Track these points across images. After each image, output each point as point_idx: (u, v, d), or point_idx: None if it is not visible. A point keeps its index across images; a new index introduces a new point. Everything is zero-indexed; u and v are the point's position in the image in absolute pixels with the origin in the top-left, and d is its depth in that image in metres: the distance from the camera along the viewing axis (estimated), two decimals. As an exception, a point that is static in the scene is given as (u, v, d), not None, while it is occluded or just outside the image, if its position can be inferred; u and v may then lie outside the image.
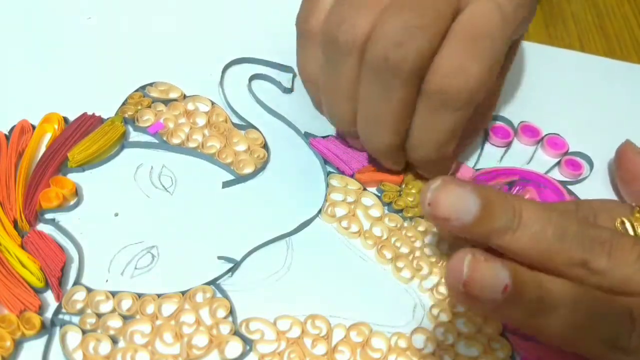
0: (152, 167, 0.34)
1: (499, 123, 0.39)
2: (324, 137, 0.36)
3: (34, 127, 0.34)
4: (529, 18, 0.31)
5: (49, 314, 0.27)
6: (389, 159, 0.32)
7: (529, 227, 0.25)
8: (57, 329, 0.27)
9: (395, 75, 0.27)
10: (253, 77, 0.39)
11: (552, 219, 0.25)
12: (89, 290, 0.28)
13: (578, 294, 0.24)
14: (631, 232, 0.28)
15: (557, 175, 0.37)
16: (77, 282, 0.29)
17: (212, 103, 0.37)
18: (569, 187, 0.36)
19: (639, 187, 0.33)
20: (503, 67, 0.33)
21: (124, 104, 0.36)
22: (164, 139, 0.34)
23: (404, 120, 0.29)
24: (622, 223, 0.28)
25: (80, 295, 0.28)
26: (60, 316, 0.27)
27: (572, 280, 0.25)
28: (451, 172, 0.35)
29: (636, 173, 0.34)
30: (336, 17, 0.28)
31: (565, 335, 0.24)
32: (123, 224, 0.31)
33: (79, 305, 0.28)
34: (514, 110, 0.39)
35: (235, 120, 0.36)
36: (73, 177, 0.32)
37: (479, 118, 0.33)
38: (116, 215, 0.31)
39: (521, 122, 0.38)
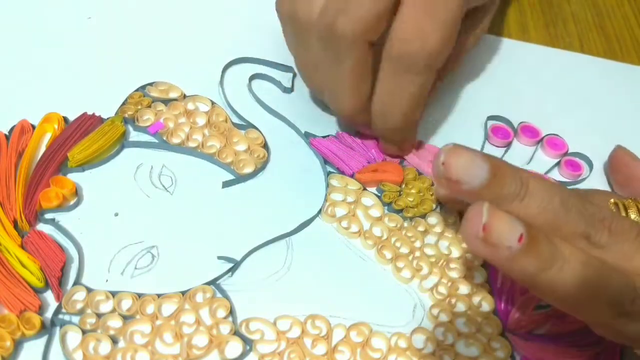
0: (152, 167, 0.34)
1: (499, 123, 0.39)
2: (324, 137, 0.36)
3: (34, 127, 0.34)
4: None
5: (49, 314, 0.27)
6: (354, 121, 0.34)
7: (535, 196, 0.26)
8: (57, 329, 0.27)
9: (340, 42, 0.29)
10: (253, 77, 0.39)
11: (556, 192, 0.26)
12: (89, 290, 0.28)
13: (586, 255, 0.25)
14: (623, 214, 0.29)
15: (556, 175, 0.37)
16: (77, 282, 0.29)
17: (212, 103, 0.37)
18: (569, 187, 0.36)
19: (635, 189, 0.33)
20: (464, 37, 0.36)
21: (124, 103, 0.36)
22: (164, 138, 0.34)
23: (362, 85, 0.31)
24: (615, 204, 0.29)
25: (80, 295, 0.28)
26: (60, 316, 0.27)
27: None
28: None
29: (632, 175, 0.34)
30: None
31: (574, 295, 0.25)
32: (123, 224, 0.31)
33: (79, 305, 0.28)
34: (514, 111, 0.39)
35: (235, 120, 0.36)
36: (73, 177, 0.32)
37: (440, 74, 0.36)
38: (116, 215, 0.31)
39: (521, 122, 0.39)
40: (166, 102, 0.36)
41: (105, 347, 0.27)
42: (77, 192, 0.32)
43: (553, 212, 0.26)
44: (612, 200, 0.30)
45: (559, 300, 0.25)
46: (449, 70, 0.37)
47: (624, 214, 0.29)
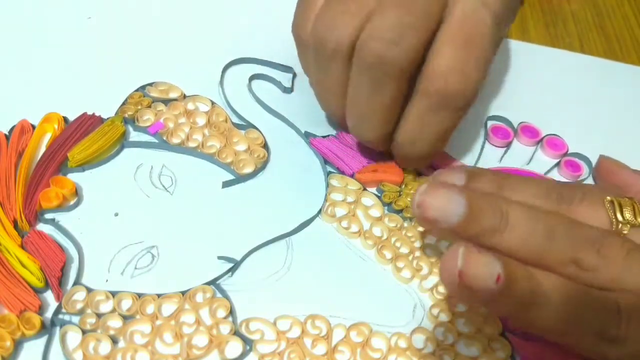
0: (152, 167, 0.34)
1: (499, 123, 0.39)
2: (324, 137, 0.36)
3: (34, 127, 0.34)
4: (512, 18, 0.33)
5: (49, 314, 0.27)
6: (375, 146, 0.34)
7: (516, 227, 0.26)
8: (57, 329, 0.27)
9: (388, 73, 0.28)
10: (253, 77, 0.39)
11: (540, 219, 0.26)
12: (89, 290, 0.28)
13: (568, 286, 0.25)
14: (618, 212, 0.28)
15: (556, 176, 0.37)
16: (77, 282, 0.29)
17: (212, 103, 0.37)
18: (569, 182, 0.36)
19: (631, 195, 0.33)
20: None
21: (124, 103, 0.36)
22: (164, 138, 0.34)
23: (394, 115, 0.31)
24: (611, 202, 0.29)
25: (80, 295, 0.28)
26: (60, 316, 0.27)
27: (565, 277, 0.26)
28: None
29: (623, 183, 0.34)
30: (322, 22, 0.30)
31: (558, 327, 0.25)
32: (123, 224, 0.31)
33: (79, 305, 0.28)
34: (514, 111, 0.39)
35: (235, 120, 0.36)
36: (73, 177, 0.32)
37: None
38: (116, 215, 0.31)
39: (521, 122, 0.39)
40: (166, 102, 0.36)
41: (105, 347, 0.27)
42: (77, 192, 0.32)
43: (536, 243, 0.25)
44: (608, 197, 0.29)
45: (542, 331, 0.25)
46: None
47: (619, 212, 0.28)
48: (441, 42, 0.28)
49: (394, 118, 0.31)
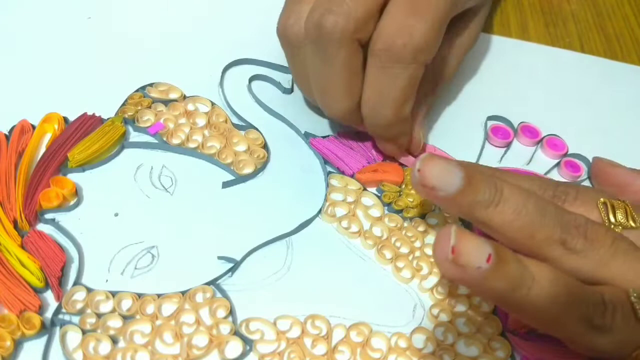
0: (152, 168, 0.34)
1: (499, 123, 0.39)
2: (324, 137, 0.36)
3: (34, 127, 0.34)
4: None
5: (49, 314, 0.27)
6: (346, 121, 0.34)
7: (510, 202, 0.27)
8: (57, 329, 0.27)
9: (329, 40, 0.29)
10: (253, 78, 0.39)
11: (531, 198, 0.27)
12: (89, 290, 0.28)
13: (555, 273, 0.25)
14: (610, 214, 0.29)
15: (556, 176, 0.37)
16: (77, 282, 0.29)
17: (212, 103, 0.37)
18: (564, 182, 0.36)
19: (629, 195, 0.33)
20: (460, 39, 0.37)
21: (124, 104, 0.36)
22: (164, 139, 0.34)
23: (352, 84, 0.31)
24: (604, 204, 0.29)
25: (80, 295, 0.28)
26: (60, 316, 0.27)
27: (552, 260, 0.27)
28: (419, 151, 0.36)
29: (621, 184, 0.34)
30: (286, 21, 0.32)
31: (545, 312, 0.25)
32: (123, 224, 0.31)
33: (79, 305, 0.28)
34: (513, 111, 0.39)
35: (235, 121, 0.36)
36: (73, 177, 0.32)
37: (429, 83, 0.36)
38: (116, 215, 0.31)
39: (521, 122, 0.39)
40: (166, 102, 0.36)
41: (105, 347, 0.27)
42: (77, 192, 0.32)
43: (528, 217, 0.26)
44: (601, 199, 0.30)
45: (529, 317, 0.26)
46: (443, 82, 0.37)
47: (611, 214, 0.29)
48: (390, 4, 0.30)
49: (355, 88, 0.32)
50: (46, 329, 0.27)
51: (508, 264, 0.24)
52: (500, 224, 0.27)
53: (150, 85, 0.37)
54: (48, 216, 0.30)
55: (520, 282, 0.25)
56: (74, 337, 0.27)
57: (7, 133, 0.33)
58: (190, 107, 0.36)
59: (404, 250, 0.32)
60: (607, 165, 0.35)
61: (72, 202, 0.31)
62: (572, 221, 0.27)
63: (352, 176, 0.34)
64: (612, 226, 0.29)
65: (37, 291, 0.28)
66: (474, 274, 0.24)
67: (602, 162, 0.35)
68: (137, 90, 0.37)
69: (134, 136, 0.35)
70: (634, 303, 0.25)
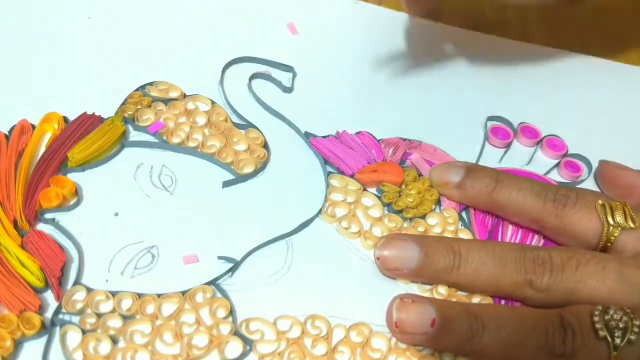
0: (152, 167, 0.34)
1: (498, 124, 0.39)
2: (324, 137, 0.36)
3: (34, 127, 0.34)
4: None
5: (49, 314, 0.27)
6: None
7: (469, 262, 0.29)
8: (57, 329, 0.27)
9: None
10: (253, 77, 0.39)
11: (489, 251, 0.29)
12: (89, 290, 0.28)
13: (503, 311, 0.27)
14: (609, 215, 0.30)
15: (556, 176, 0.37)
16: (77, 282, 0.29)
17: (212, 102, 0.37)
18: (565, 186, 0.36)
19: (634, 199, 0.32)
20: None
21: (123, 103, 0.36)
22: (164, 138, 0.34)
23: None
24: (603, 206, 0.30)
25: (80, 295, 0.28)
26: (60, 316, 0.27)
27: (524, 300, 0.29)
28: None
29: (628, 185, 0.34)
30: None
31: (502, 352, 0.26)
32: (123, 224, 0.31)
33: (79, 305, 0.28)
34: (513, 111, 0.39)
35: (236, 120, 0.36)
36: (73, 176, 0.32)
37: None
38: (116, 215, 0.31)
39: (521, 123, 0.38)
40: (166, 101, 0.36)
41: (105, 347, 0.27)
42: (77, 192, 0.32)
43: (490, 271, 0.29)
44: (599, 201, 0.30)
45: (490, 359, 0.27)
46: None
47: (610, 215, 0.30)
48: None
49: None
50: (46, 329, 0.27)
51: (454, 322, 0.26)
52: (466, 284, 0.29)
53: (150, 84, 0.37)
54: (48, 216, 0.30)
55: (470, 334, 0.26)
56: (74, 337, 0.27)
57: (7, 133, 0.33)
58: (190, 105, 0.36)
59: (404, 250, 0.32)
60: (613, 167, 0.35)
61: (72, 202, 0.31)
62: (535, 259, 0.28)
63: (352, 176, 0.34)
64: (611, 228, 0.29)
65: (37, 291, 0.28)
66: (422, 339, 0.27)
67: (609, 164, 0.35)
68: (137, 89, 0.37)
69: (134, 135, 0.35)
70: (595, 323, 0.26)
